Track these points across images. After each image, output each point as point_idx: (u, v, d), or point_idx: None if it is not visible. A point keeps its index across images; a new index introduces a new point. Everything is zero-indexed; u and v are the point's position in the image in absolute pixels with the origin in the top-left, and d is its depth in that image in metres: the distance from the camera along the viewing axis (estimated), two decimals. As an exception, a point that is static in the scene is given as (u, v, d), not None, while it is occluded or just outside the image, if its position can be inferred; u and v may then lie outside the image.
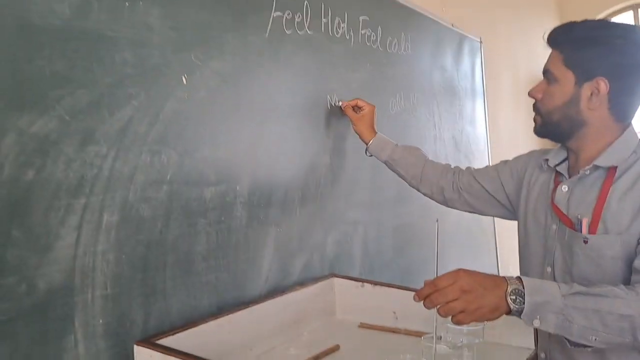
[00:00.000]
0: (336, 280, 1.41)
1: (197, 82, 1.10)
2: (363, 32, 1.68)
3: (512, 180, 1.26)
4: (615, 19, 4.42)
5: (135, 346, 0.92)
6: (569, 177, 1.08)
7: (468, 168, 1.42)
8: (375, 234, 1.72)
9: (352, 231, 1.61)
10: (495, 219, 2.66)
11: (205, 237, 1.12)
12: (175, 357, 0.87)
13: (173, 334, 0.97)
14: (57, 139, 0.86)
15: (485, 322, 0.93)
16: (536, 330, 1.10)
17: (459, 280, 0.87)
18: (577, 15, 4.12)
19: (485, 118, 2.65)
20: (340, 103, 1.54)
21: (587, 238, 0.99)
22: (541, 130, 1.11)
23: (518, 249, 1.24)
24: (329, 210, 1.52)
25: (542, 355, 1.11)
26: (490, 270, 2.60)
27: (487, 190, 1.32)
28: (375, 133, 1.50)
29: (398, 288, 1.33)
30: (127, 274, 0.96)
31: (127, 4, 0.96)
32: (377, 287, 1.35)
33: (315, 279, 1.38)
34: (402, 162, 1.49)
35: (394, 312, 1.31)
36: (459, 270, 0.89)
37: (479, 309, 0.86)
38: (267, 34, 1.28)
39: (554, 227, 1.07)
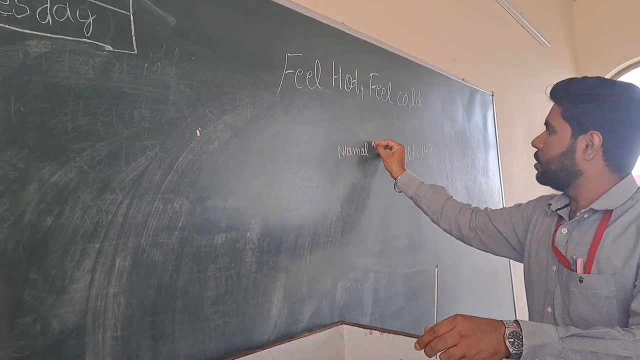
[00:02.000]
0: (345, 327, 1.42)
1: (210, 135, 1.17)
2: (373, 87, 1.75)
3: (523, 224, 1.33)
4: (628, 74, 4.47)
5: (142, 388, 0.95)
6: (569, 220, 1.16)
7: (486, 209, 1.49)
8: (386, 281, 1.74)
9: (362, 278, 1.63)
10: (511, 263, 2.64)
11: (214, 283, 1.16)
12: (179, 398, 0.89)
13: (179, 377, 0.99)
14: (75, 187, 0.93)
15: None
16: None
17: (457, 326, 0.89)
18: (592, 69, 4.24)
19: (499, 168, 2.68)
20: (373, 143, 1.68)
21: (582, 277, 1.05)
22: (541, 178, 1.19)
23: (525, 293, 1.28)
24: (339, 257, 1.55)
25: None
26: (508, 315, 2.56)
27: (500, 232, 1.39)
28: (404, 170, 1.65)
29: (405, 335, 1.33)
30: (137, 316, 1.01)
31: (146, 64, 1.05)
32: (385, 335, 1.35)
33: (324, 326, 1.40)
34: (426, 198, 1.59)
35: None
36: (457, 315, 0.91)
37: (479, 354, 0.87)
38: (279, 89, 1.36)
39: (554, 268, 1.14)
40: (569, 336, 0.88)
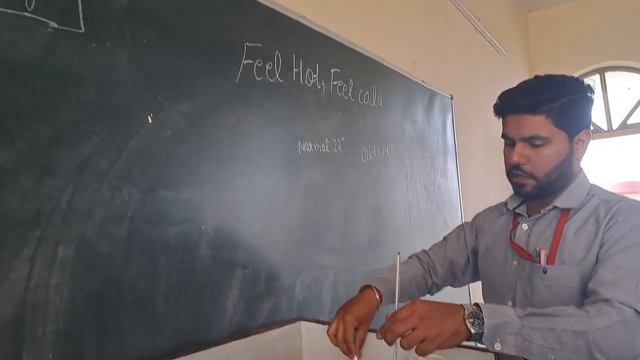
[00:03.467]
0: (303, 323, 1.39)
1: (163, 123, 1.13)
2: (334, 83, 1.74)
3: (472, 235, 1.36)
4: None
5: (84, 384, 0.89)
6: (529, 217, 1.18)
7: (427, 255, 1.39)
8: (346, 278, 1.71)
9: (322, 275, 1.61)
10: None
11: (166, 276, 1.11)
12: (124, 394, 0.84)
13: (126, 373, 0.94)
14: (15, 171, 0.87)
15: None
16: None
17: (417, 309, 0.90)
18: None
19: (457, 170, 2.71)
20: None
21: (546, 268, 1.08)
22: (535, 192, 1.12)
23: (482, 292, 1.29)
24: (299, 254, 1.52)
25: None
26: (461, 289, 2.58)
27: (460, 264, 1.36)
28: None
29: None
30: (81, 310, 0.95)
31: (94, 44, 1.00)
32: (344, 331, 1.33)
33: (282, 322, 1.36)
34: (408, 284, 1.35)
35: (362, 356, 1.29)
36: (416, 300, 0.92)
37: (439, 335, 0.88)
38: (237, 79, 1.33)
39: (515, 263, 1.16)
40: (527, 315, 0.91)
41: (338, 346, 1.13)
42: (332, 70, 1.73)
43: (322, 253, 1.63)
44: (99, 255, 0.99)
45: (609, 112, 4.57)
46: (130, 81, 1.06)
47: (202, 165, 1.22)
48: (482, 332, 0.88)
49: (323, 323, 1.39)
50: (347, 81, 1.81)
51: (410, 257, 1.43)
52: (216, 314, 1.23)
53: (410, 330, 0.89)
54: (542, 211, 1.14)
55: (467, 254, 1.35)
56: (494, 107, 1.18)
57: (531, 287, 1.10)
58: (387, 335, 0.90)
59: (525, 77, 4.57)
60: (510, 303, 1.13)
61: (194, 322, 1.17)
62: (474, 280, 1.39)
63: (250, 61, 1.38)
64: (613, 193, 1.14)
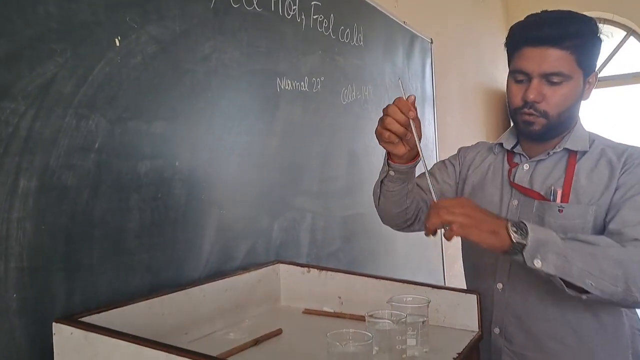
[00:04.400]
0: (281, 266, 1.35)
1: (132, 46, 1.03)
2: (315, 17, 1.64)
3: (458, 169, 1.31)
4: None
5: (54, 324, 0.83)
6: (529, 158, 1.16)
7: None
8: (324, 222, 1.68)
9: (299, 219, 1.56)
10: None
11: (138, 213, 1.05)
12: (98, 334, 0.79)
13: (98, 312, 0.88)
14: (-35, 89, 0.77)
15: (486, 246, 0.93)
16: (480, 308, 1.08)
17: (462, 201, 0.94)
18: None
19: (434, 117, 2.67)
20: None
21: (562, 207, 1.06)
22: (542, 132, 1.09)
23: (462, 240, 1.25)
24: (277, 195, 1.47)
25: (497, 330, 1.16)
26: (436, 263, 2.61)
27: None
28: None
29: (344, 272, 1.28)
30: (47, 246, 0.88)
31: (52, -49, 0.88)
32: (323, 273, 1.30)
33: (260, 265, 1.32)
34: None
35: (339, 297, 1.27)
36: (460, 197, 1.04)
37: (480, 224, 0.89)
38: (212, 4, 1.23)
39: (515, 202, 1.14)
40: (569, 238, 0.92)
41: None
42: (313, 3, 1.63)
43: (300, 196, 1.58)
44: (65, 189, 0.91)
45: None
46: (95, -3, 0.96)
47: (175, 97, 1.13)
48: (524, 244, 0.88)
49: (301, 265, 1.35)
50: (328, 16, 1.71)
51: None
52: (192, 254, 1.17)
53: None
54: (550, 152, 1.12)
55: (456, 187, 1.30)
56: (507, 38, 1.11)
57: (542, 226, 1.04)
58: (431, 219, 0.91)
59: (499, 24, 4.50)
60: None
61: (169, 262, 1.11)
62: None
63: (226, -14, 1.27)
64: (610, 139, 1.15)
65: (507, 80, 1.13)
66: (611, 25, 4.40)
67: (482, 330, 1.07)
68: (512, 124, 1.20)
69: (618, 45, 4.41)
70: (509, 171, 1.17)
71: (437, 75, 2.73)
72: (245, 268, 1.29)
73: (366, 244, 1.91)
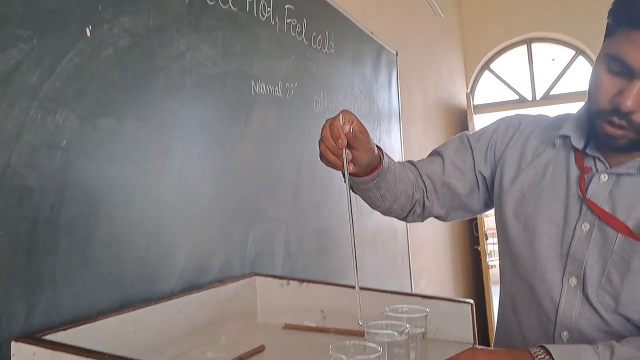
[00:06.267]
0: (258, 279, 1.27)
1: (104, 38, 0.94)
2: (289, 20, 1.59)
3: (487, 158, 1.01)
4: (510, 52, 4.75)
5: (13, 343, 0.72)
6: (609, 166, 0.85)
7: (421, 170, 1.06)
8: (298, 234, 1.61)
9: (274, 230, 1.49)
10: (409, 228, 2.66)
11: (108, 221, 0.95)
12: (67, 353, 0.69)
13: (64, 330, 0.78)
14: None
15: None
16: (474, 318, 1.04)
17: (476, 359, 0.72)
18: (477, 47, 4.41)
19: (400, 130, 2.67)
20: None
21: None
22: (630, 146, 0.81)
23: (500, 251, 1.00)
24: (250, 205, 1.39)
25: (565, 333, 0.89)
26: (404, 279, 2.57)
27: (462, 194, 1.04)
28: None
29: (326, 284, 1.21)
30: (5, 255, 0.77)
31: None
32: (304, 285, 1.22)
33: (236, 277, 1.24)
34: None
35: (322, 311, 1.20)
36: (475, 350, 0.74)
37: None
38: (187, 0, 1.15)
39: (586, 227, 0.85)
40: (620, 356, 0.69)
41: (329, 139, 0.83)
42: (287, 7, 1.58)
43: (275, 206, 1.50)
44: (27, 191, 0.81)
45: (534, 82, 4.74)
46: (64, -19, 0.87)
47: (150, 95, 1.05)
48: None
49: (280, 277, 1.28)
50: (301, 20, 1.67)
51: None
52: (165, 267, 1.07)
53: None
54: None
55: (474, 181, 1.01)
56: (615, 3, 0.77)
57: (625, 272, 0.79)
58: None
59: (457, 44, 4.61)
60: (574, 280, 0.85)
61: (140, 275, 1.01)
62: (469, 215, 1.09)
63: (201, -18, 1.20)
64: None
65: (596, 64, 0.81)
66: (561, 44, 4.58)
67: (476, 342, 1.03)
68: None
69: (567, 64, 4.58)
70: (580, 178, 0.86)
71: (402, 87, 2.73)
72: (221, 281, 1.20)
73: (339, 257, 1.85)
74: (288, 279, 1.25)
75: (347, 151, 0.83)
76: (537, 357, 0.71)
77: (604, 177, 0.84)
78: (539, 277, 0.89)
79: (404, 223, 2.60)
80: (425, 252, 3.06)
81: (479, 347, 0.76)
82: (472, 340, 1.03)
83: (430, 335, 1.06)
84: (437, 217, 1.09)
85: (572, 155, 0.89)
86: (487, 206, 1.06)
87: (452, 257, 3.80)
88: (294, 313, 1.21)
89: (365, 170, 0.91)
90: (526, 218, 0.92)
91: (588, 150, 0.87)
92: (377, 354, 0.70)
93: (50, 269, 0.83)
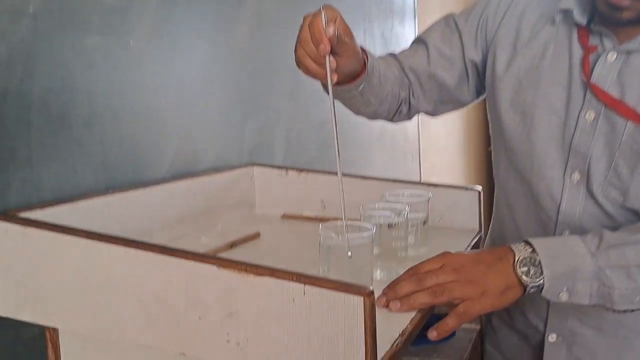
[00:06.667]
0: (256, 169, 1.22)
1: None
2: None
3: (477, 40, 0.90)
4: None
5: (-17, 220, 0.68)
6: (619, 43, 0.74)
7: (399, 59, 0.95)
8: (299, 127, 1.53)
9: (273, 121, 1.42)
10: (421, 126, 2.58)
11: (87, 97, 0.87)
12: (41, 229, 0.64)
13: (41, 208, 0.74)
14: None
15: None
16: (481, 206, 0.98)
17: (448, 260, 0.66)
18: None
19: (415, 14, 2.49)
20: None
21: None
22: (635, 19, 0.72)
23: (494, 144, 0.92)
24: (248, 92, 1.30)
25: (553, 337, 0.85)
26: (413, 177, 2.53)
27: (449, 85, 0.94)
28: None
29: (327, 174, 1.16)
30: (-29, 128, 0.71)
31: None
32: (303, 174, 1.17)
33: (232, 167, 1.18)
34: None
35: (322, 201, 1.16)
36: (445, 252, 0.68)
37: (485, 293, 0.62)
38: None
39: (590, 115, 0.76)
40: (605, 249, 0.64)
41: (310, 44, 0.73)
42: None
43: (274, 95, 1.42)
44: (-9, 58, 0.73)
45: None
46: None
47: (127, -41, 0.93)
48: (542, 285, 0.64)
49: (279, 167, 1.22)
50: None
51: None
52: (154, 153, 1.02)
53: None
54: None
55: (463, 70, 0.91)
56: None
57: (635, 163, 0.72)
58: (404, 299, 0.62)
59: None
60: (576, 176, 0.78)
61: (127, 158, 0.95)
62: (460, 107, 1.00)
63: None
64: None
65: None
66: None
67: (482, 229, 0.98)
68: None
69: None
70: (584, 60, 0.76)
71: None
72: (216, 169, 1.15)
73: (343, 153, 1.78)
74: (287, 168, 1.20)
75: (332, 58, 0.72)
76: (515, 249, 0.66)
77: (612, 56, 0.74)
78: (537, 174, 0.82)
79: (414, 121, 2.51)
80: (437, 152, 2.97)
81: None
82: (477, 228, 0.98)
83: (434, 224, 1.02)
84: (424, 113, 1.01)
85: (575, 32, 0.78)
86: (480, 95, 0.97)
87: (466, 158, 3.73)
88: (292, 203, 1.17)
89: (349, 77, 0.81)
90: (523, 108, 0.82)
91: (592, 26, 0.76)
92: (370, 233, 0.65)
93: (25, 146, 0.77)
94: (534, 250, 0.65)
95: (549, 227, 0.82)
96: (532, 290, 0.64)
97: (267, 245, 0.96)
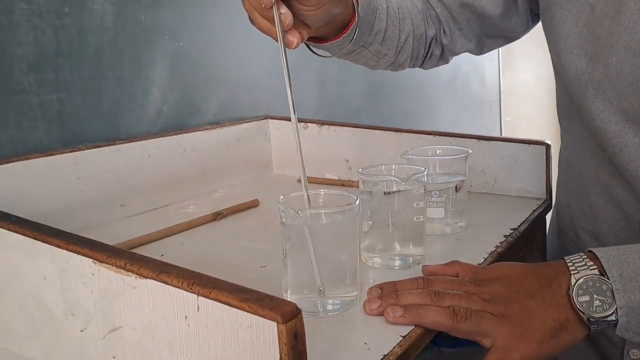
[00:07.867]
0: (271, 122, 1.02)
1: None
2: None
3: None
4: None
5: None
6: None
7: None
8: (338, 70, 1.30)
9: (301, 62, 1.19)
10: (502, 69, 2.24)
11: (32, 34, 0.70)
12: None
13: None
14: None
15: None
16: (548, 171, 0.71)
17: (505, 272, 0.46)
18: None
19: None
20: None
21: None
22: None
23: (558, 95, 0.67)
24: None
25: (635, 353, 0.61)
26: (492, 132, 2.21)
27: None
28: None
29: (353, 127, 0.93)
30: None
31: None
32: (325, 128, 0.95)
33: (240, 120, 0.99)
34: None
35: (347, 160, 0.94)
36: (464, 264, 0.48)
37: (524, 337, 0.42)
38: None
39: None
40: None
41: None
42: None
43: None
44: None
45: None
46: None
47: None
48: (613, 320, 0.42)
49: (298, 121, 1.01)
50: None
51: None
52: (133, 102, 0.84)
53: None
54: None
55: (515, 5, 0.68)
56: None
57: None
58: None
59: None
60: None
61: (94, 110, 0.78)
62: (509, 42, 0.75)
63: None
64: None
65: None
66: None
67: (551, 196, 0.72)
68: None
69: None
70: None
71: None
72: (217, 123, 0.95)
73: (397, 102, 1.53)
74: (306, 121, 0.98)
75: (284, 10, 0.50)
76: (573, 264, 0.44)
77: None
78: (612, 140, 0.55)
79: (494, 63, 2.18)
80: (524, 103, 2.60)
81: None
82: (544, 195, 0.72)
83: (485, 190, 0.77)
84: (467, 52, 0.76)
85: None
86: (536, 21, 0.70)
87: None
88: (312, 164, 0.96)
89: (337, 28, 0.61)
90: (595, 47, 0.54)
91: None
92: (351, 206, 0.43)
93: None
94: (601, 270, 0.43)
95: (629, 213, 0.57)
96: (599, 328, 0.42)
97: (261, 218, 0.76)
